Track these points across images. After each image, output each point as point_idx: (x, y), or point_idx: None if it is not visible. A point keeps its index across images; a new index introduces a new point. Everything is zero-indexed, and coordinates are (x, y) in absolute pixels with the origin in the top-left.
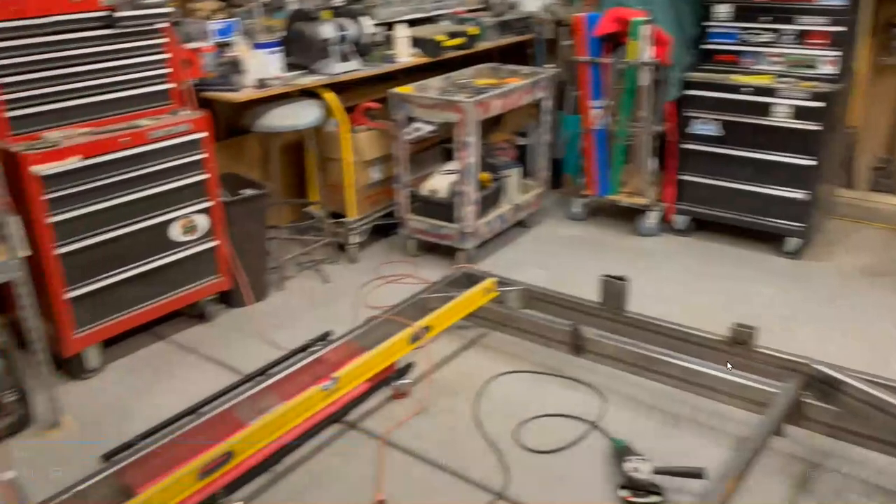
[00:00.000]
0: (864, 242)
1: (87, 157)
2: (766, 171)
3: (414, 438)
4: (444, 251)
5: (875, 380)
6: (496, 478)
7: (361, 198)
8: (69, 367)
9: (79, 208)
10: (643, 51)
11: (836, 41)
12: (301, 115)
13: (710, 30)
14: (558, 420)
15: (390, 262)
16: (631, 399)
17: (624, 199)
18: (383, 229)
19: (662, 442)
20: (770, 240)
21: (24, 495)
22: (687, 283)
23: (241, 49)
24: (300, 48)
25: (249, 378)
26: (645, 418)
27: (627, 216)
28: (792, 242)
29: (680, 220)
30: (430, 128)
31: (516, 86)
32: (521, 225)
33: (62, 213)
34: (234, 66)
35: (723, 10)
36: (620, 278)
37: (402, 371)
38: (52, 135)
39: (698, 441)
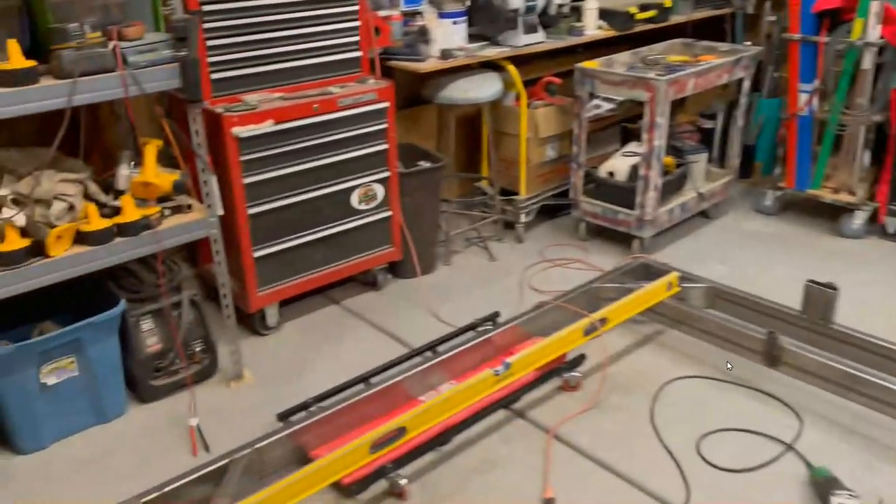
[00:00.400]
0: None
1: (279, 122)
2: None
3: (584, 435)
4: (616, 237)
5: None
6: (675, 492)
7: (533, 176)
8: (251, 322)
9: (270, 171)
10: (870, 30)
11: None
12: (483, 89)
13: None
14: (746, 436)
15: (557, 245)
16: (831, 422)
17: (826, 195)
18: (551, 209)
19: (867, 475)
20: None
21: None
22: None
23: (428, 18)
24: (486, 18)
25: (418, 352)
26: (847, 445)
27: (826, 214)
28: None
29: (893, 224)
30: (609, 106)
31: (714, 64)
32: (704, 215)
33: (254, 174)
34: (421, 36)
35: None
36: (829, 286)
37: (574, 362)
38: (251, 98)
39: None
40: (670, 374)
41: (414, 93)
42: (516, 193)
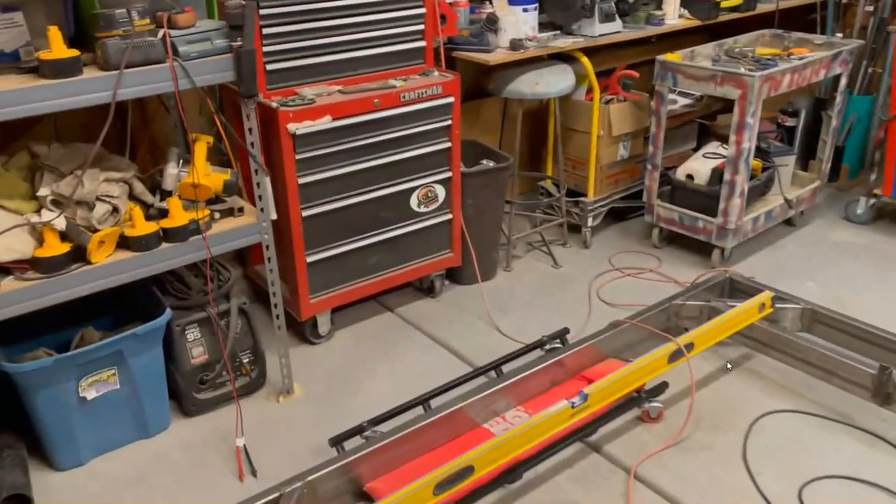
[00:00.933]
0: None
1: (337, 118)
2: None
3: (668, 476)
4: (692, 245)
5: None
6: None
7: (603, 176)
8: (302, 330)
9: (325, 170)
10: None
11: None
12: (554, 82)
13: None
14: (855, 485)
15: (627, 252)
16: None
17: None
18: (619, 213)
19: None
20: None
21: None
22: None
23: (497, 5)
24: (558, 6)
25: (481, 371)
26: None
27: None
28: None
29: None
30: (685, 101)
31: (812, 59)
32: (787, 223)
33: (310, 174)
34: (489, 24)
35: None
36: None
37: (654, 390)
38: (307, 91)
39: None
40: (763, 407)
41: (475, 84)
42: (583, 194)
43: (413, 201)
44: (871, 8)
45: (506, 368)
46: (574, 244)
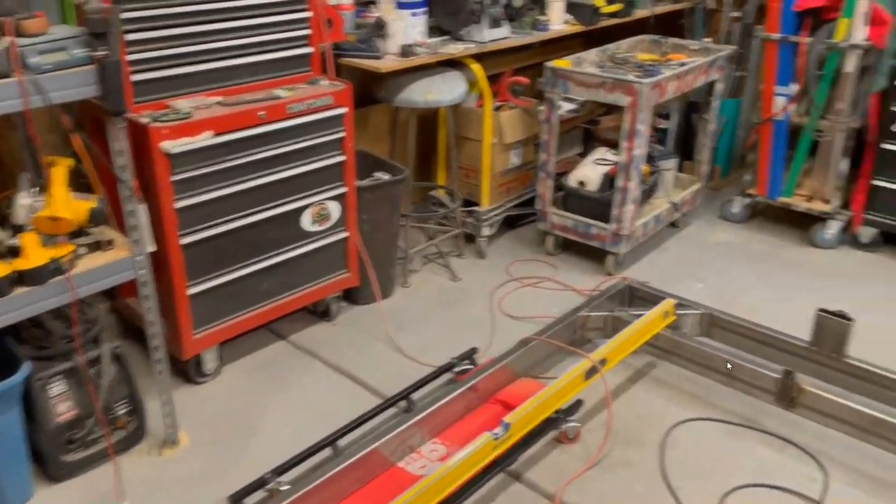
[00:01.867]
0: None
1: (218, 133)
2: None
3: (591, 499)
4: (586, 251)
5: None
6: None
7: (496, 184)
8: (185, 369)
9: (207, 192)
10: (855, 31)
11: None
12: (448, 90)
13: None
14: (772, 493)
15: (523, 260)
16: (857, 472)
17: (800, 204)
18: (510, 220)
19: None
20: None
21: None
22: (883, 312)
23: (385, 9)
24: (446, 10)
25: (390, 403)
26: (879, 499)
27: (796, 222)
28: None
29: (866, 233)
30: (570, 107)
31: (694, 65)
32: (671, 224)
33: (188, 197)
34: (377, 29)
35: None
36: (843, 315)
37: (570, 410)
38: (181, 103)
39: None
40: (674, 416)
41: (362, 91)
42: (477, 204)
43: (305, 220)
44: (735, 14)
45: (416, 395)
46: (469, 255)
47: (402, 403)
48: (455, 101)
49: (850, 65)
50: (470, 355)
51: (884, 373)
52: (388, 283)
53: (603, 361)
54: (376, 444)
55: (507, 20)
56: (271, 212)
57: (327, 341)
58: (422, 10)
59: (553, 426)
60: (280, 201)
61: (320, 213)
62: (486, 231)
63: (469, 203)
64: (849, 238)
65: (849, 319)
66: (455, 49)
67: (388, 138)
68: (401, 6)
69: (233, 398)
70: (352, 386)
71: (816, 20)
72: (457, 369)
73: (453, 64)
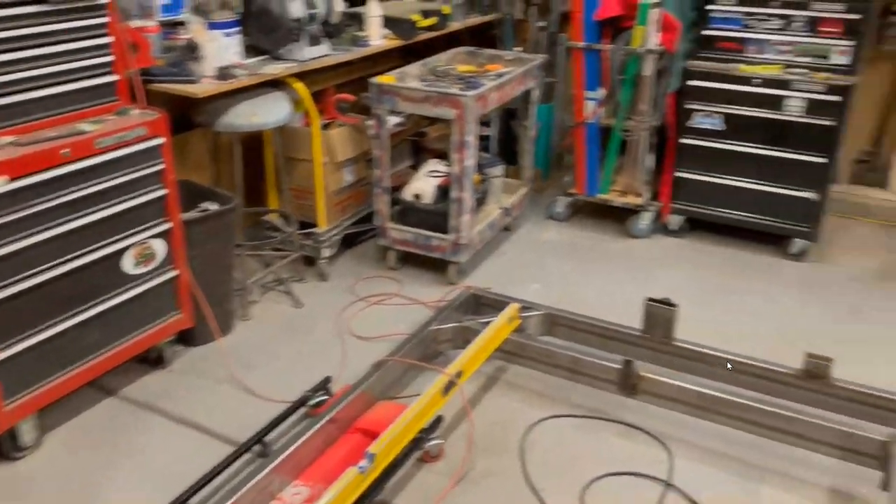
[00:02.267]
0: (860, 241)
1: (15, 178)
2: (773, 168)
3: None
4: (428, 263)
5: None
6: None
7: (332, 204)
8: None
9: (7, 244)
10: (649, 37)
11: (849, 30)
12: (273, 112)
13: (712, 14)
14: (626, 479)
15: (367, 278)
16: (699, 448)
17: (615, 199)
18: (348, 238)
19: (749, 500)
20: (771, 241)
21: None
22: (696, 294)
23: (195, 30)
24: (262, 29)
25: (244, 449)
26: (719, 471)
27: (615, 216)
28: (798, 244)
29: (674, 221)
30: (396, 120)
31: (512, 75)
32: (504, 229)
33: None
34: (189, 52)
35: None
36: (668, 303)
37: (431, 428)
38: None
39: (787, 496)
40: (529, 418)
41: (177, 116)
42: (313, 225)
43: (127, 263)
44: (541, 24)
45: (271, 437)
46: (311, 278)
47: (257, 448)
48: (281, 122)
49: (648, 68)
50: (324, 385)
51: (710, 352)
52: (226, 318)
53: (459, 374)
54: (234, 497)
55: (327, 37)
56: (87, 258)
57: (165, 391)
58: (235, 30)
59: (416, 447)
60: (96, 245)
61: (144, 254)
62: (327, 252)
63: (305, 225)
64: (661, 227)
65: (673, 305)
66: (276, 69)
67: (211, 165)
68: (212, 27)
69: (60, 471)
70: (199, 437)
71: (615, 28)
72: (312, 402)
73: (275, 84)
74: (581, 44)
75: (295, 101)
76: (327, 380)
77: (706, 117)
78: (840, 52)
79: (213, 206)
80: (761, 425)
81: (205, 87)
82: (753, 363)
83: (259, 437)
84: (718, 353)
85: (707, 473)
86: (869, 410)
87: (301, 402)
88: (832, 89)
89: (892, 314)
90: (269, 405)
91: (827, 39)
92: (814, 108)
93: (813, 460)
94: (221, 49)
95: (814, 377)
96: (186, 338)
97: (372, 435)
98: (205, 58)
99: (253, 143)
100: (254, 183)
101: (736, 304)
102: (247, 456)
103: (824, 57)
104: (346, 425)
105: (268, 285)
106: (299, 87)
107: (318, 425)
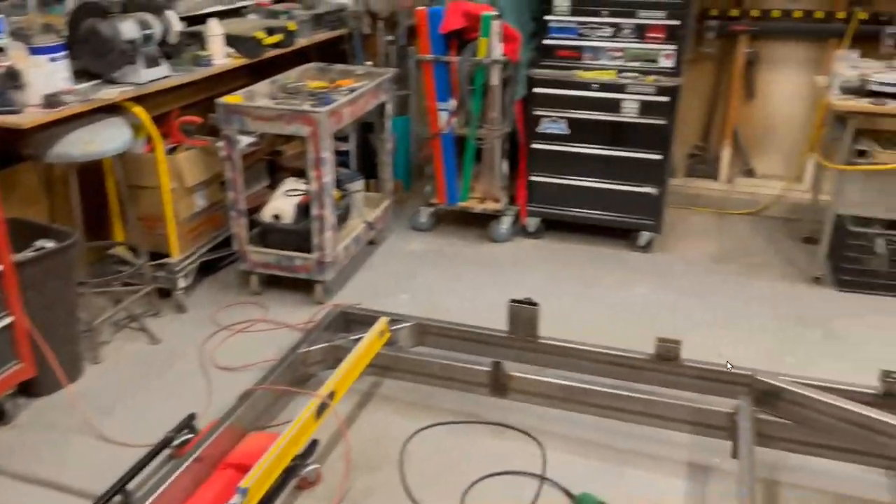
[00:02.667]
0: (698, 229)
1: None
2: (616, 167)
3: None
4: (293, 284)
5: (822, 385)
6: None
7: (185, 231)
8: None
9: None
10: (493, 48)
11: (671, 35)
12: (111, 139)
13: (551, 24)
14: (504, 479)
15: (229, 306)
16: (569, 439)
17: (476, 206)
18: (208, 265)
19: (620, 483)
20: (620, 235)
21: None
22: (556, 291)
23: (16, 56)
24: (93, 52)
25: (105, 500)
26: (588, 459)
27: (476, 222)
28: (644, 237)
29: (532, 223)
30: (249, 140)
31: (364, 89)
32: (369, 242)
33: None
34: (10, 80)
35: (562, 3)
36: (530, 302)
37: (306, 453)
38: None
39: (650, 476)
40: (405, 430)
41: (1, 150)
42: (166, 255)
43: None
44: (390, 38)
45: (133, 484)
46: (168, 311)
47: (118, 498)
48: (121, 149)
49: (495, 78)
50: (188, 423)
51: (573, 346)
52: (74, 362)
53: (332, 395)
54: None
55: (166, 58)
56: None
57: (10, 450)
58: (62, 54)
59: (293, 474)
60: None
61: None
62: (183, 282)
63: (157, 255)
64: (520, 229)
65: (535, 304)
66: (111, 93)
67: (45, 199)
68: (35, 52)
69: None
70: (52, 495)
71: (461, 40)
72: (176, 443)
73: (112, 109)
74: (429, 56)
75: (135, 126)
76: (192, 416)
77: (552, 122)
78: (666, 55)
79: (49, 244)
80: (622, 410)
81: (30, 116)
82: (610, 352)
83: (120, 487)
84: (580, 346)
85: (577, 463)
86: (716, 386)
87: (164, 444)
88: (661, 90)
89: (729, 294)
90: (130, 451)
91: (653, 45)
92: (647, 109)
93: (671, 438)
94: (47, 75)
95: (665, 359)
96: (30, 388)
97: (244, 469)
98: (28, 85)
99: (93, 172)
100: (96, 215)
101: (593, 298)
102: None
103: (653, 61)
104: (215, 462)
105: (120, 323)
106: (139, 111)
107: (184, 465)
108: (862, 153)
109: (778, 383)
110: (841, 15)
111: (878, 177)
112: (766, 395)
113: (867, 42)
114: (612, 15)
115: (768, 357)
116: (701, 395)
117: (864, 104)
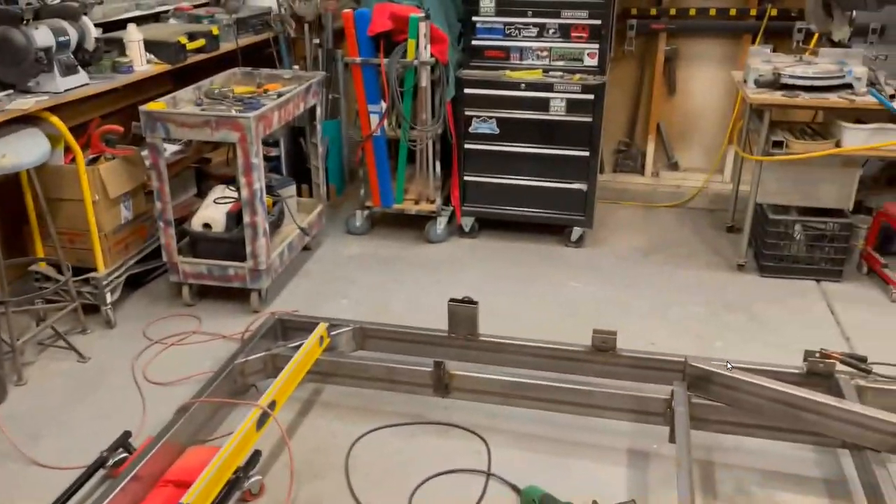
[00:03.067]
0: (626, 222)
1: None
2: (546, 165)
3: None
4: (227, 294)
5: (754, 367)
6: None
7: (111, 244)
8: None
9: None
10: (422, 49)
11: (594, 34)
12: (25, 151)
13: (478, 25)
14: (451, 477)
15: (160, 319)
16: (512, 433)
17: (411, 207)
18: (136, 278)
19: (564, 476)
20: (553, 231)
21: None
22: (494, 288)
23: None
24: (5, 61)
25: None
26: (533, 453)
27: (412, 224)
28: (576, 232)
29: (466, 222)
30: (175, 148)
31: (292, 93)
32: (304, 248)
33: None
34: None
35: (487, 4)
36: (469, 301)
37: (249, 465)
38: None
39: (594, 465)
40: (350, 436)
41: None
42: (92, 269)
43: None
44: (317, 41)
45: None
46: (96, 327)
47: None
48: (38, 161)
49: (424, 79)
50: (123, 441)
51: (511, 342)
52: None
53: (272, 404)
54: None
55: (83, 66)
56: None
57: None
58: None
59: (235, 487)
60: None
61: None
62: (110, 297)
63: (82, 270)
64: (456, 229)
65: (474, 303)
66: (24, 104)
67: None
68: None
69: None
70: None
71: (390, 42)
72: (111, 462)
73: (28, 120)
74: (358, 59)
75: (53, 136)
76: (127, 434)
77: (483, 122)
78: (590, 54)
79: None
80: (563, 402)
81: None
82: (549, 346)
83: None
84: (520, 342)
85: (522, 457)
86: (652, 374)
87: (99, 464)
88: (586, 89)
89: (659, 284)
90: (62, 474)
91: (577, 44)
92: (573, 106)
93: (612, 427)
94: None
95: (602, 350)
96: None
97: (185, 485)
98: None
99: (8, 187)
100: (15, 231)
101: (530, 294)
102: None
103: (578, 60)
104: (153, 480)
105: (45, 342)
106: (55, 121)
107: (121, 485)
108: (778, 144)
109: (710, 367)
110: (753, 12)
111: (794, 166)
112: (699, 380)
113: (779, 38)
114: (537, 15)
115: (699, 343)
116: (638, 383)
117: (777, 97)
